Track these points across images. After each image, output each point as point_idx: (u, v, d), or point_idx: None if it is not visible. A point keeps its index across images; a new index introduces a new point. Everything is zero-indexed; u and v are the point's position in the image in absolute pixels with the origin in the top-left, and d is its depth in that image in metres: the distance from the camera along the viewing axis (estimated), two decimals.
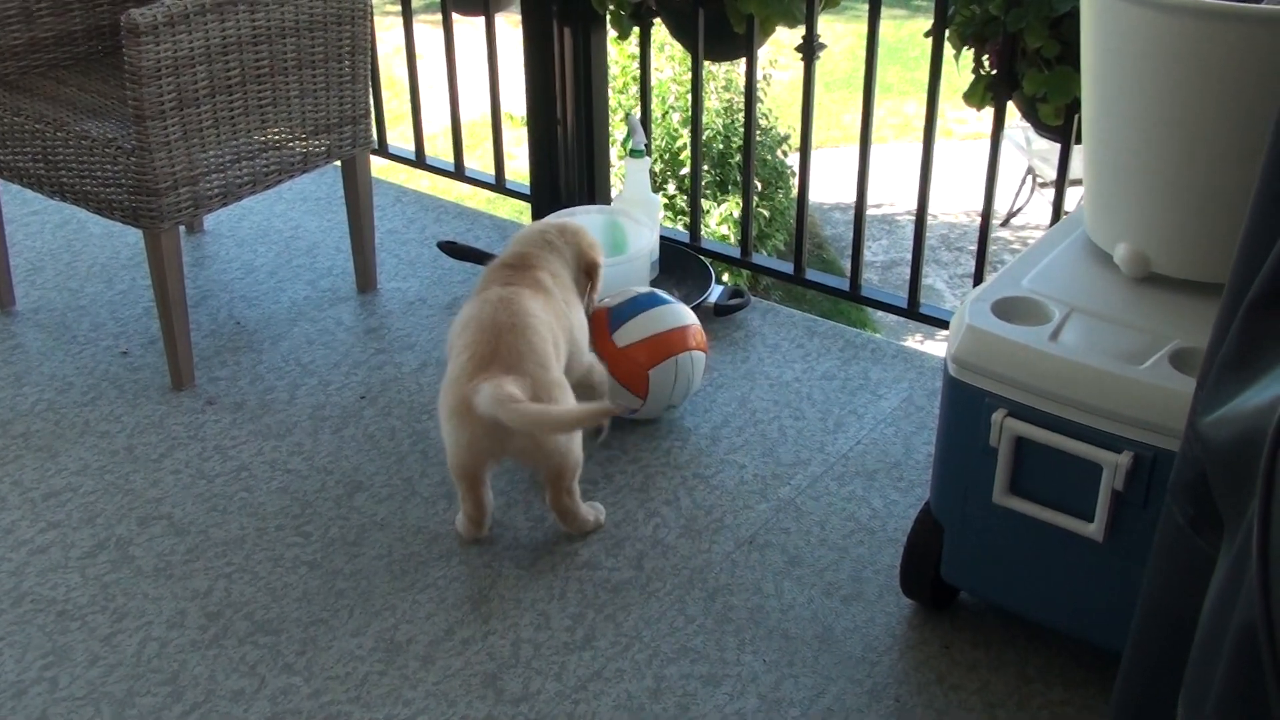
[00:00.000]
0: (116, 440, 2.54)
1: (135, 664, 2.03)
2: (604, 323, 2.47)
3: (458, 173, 3.53)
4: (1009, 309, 1.86)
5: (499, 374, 2.05)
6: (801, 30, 2.78)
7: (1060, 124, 2.49)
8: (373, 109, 2.90)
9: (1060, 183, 2.66)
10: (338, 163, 2.88)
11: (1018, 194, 9.53)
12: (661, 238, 2.95)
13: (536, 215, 3.22)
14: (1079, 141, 2.43)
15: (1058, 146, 2.60)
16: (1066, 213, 2.45)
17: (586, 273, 2.42)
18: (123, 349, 2.83)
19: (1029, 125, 2.67)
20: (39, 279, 3.11)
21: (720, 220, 8.60)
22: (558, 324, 2.23)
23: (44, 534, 2.30)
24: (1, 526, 2.32)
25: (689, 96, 8.41)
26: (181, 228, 2.61)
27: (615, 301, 2.51)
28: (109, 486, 2.42)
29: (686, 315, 2.54)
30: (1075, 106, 2.43)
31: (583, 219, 2.81)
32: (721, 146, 8.86)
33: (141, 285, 3.06)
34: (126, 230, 3.26)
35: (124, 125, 2.54)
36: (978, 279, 2.80)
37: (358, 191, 2.92)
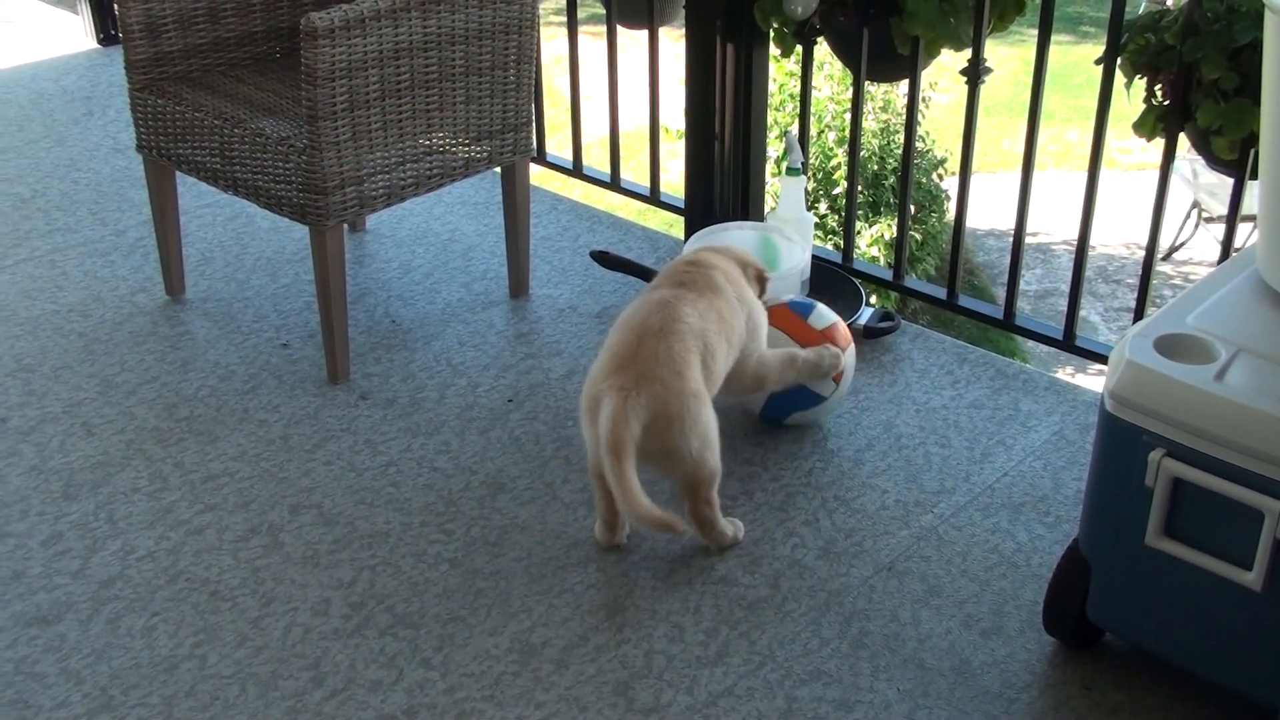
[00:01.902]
0: (273, 429, 2.63)
1: (280, 647, 2.09)
2: (791, 313, 2.55)
3: (613, 183, 3.56)
4: (1172, 346, 1.81)
5: (633, 379, 2.07)
6: (966, 53, 2.74)
7: (1234, 158, 2.41)
8: (534, 117, 2.95)
9: (1231, 219, 2.58)
10: (497, 169, 2.94)
11: (1181, 228, 9.24)
12: (813, 257, 2.94)
13: (690, 228, 3.23)
14: (1253, 177, 2.37)
15: (1227, 180, 2.52)
16: (1236, 249, 2.38)
17: (757, 280, 2.45)
18: (283, 341, 2.93)
19: (1197, 158, 2.60)
20: (208, 269, 3.23)
21: (871, 242, 8.51)
22: (717, 329, 2.22)
23: (201, 515, 2.39)
24: (162, 506, 2.41)
25: (846, 116, 8.36)
26: (345, 226, 2.68)
27: (787, 298, 2.60)
28: (264, 474, 2.50)
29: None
30: (1251, 141, 2.35)
31: (736, 234, 2.82)
32: (876, 167, 8.78)
33: (304, 280, 3.16)
34: (293, 226, 3.37)
35: (297, 125, 2.63)
36: (1138, 313, 2.73)
37: (516, 198, 2.97)
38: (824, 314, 2.56)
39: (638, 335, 2.14)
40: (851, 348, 2.57)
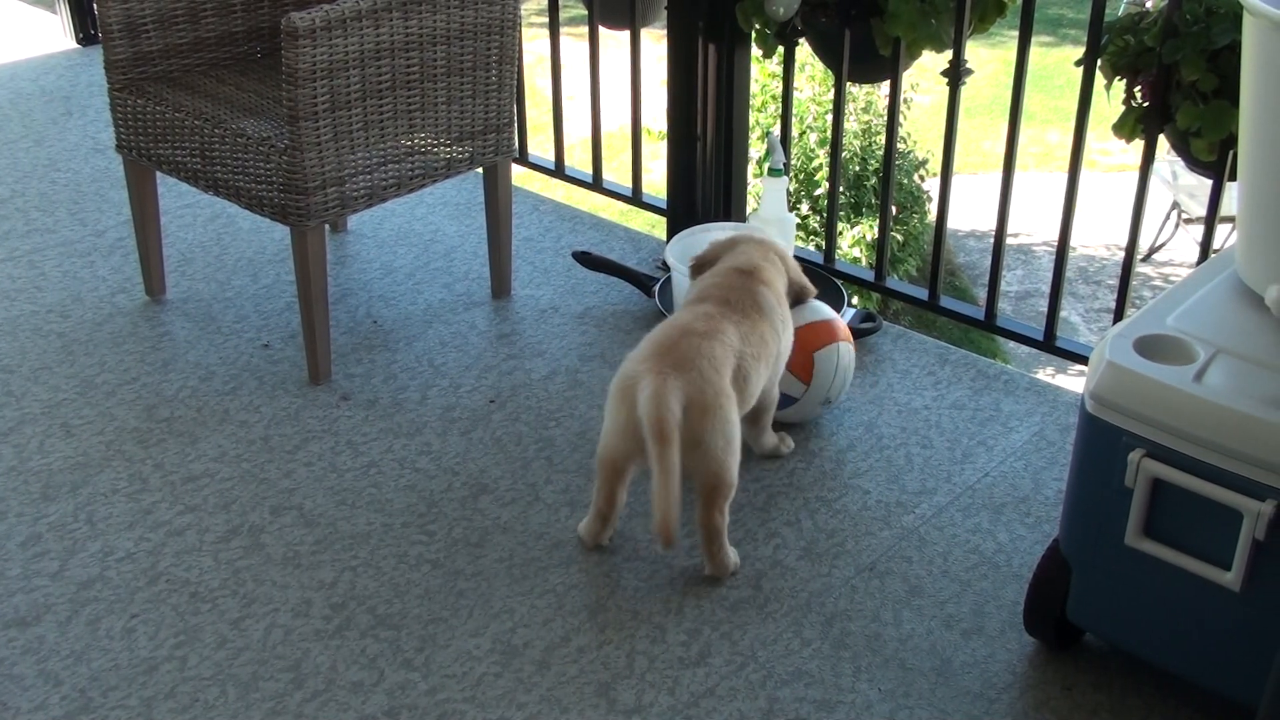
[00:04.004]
0: (254, 430, 2.62)
1: (261, 649, 2.09)
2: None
3: (595, 184, 3.56)
4: (1152, 347, 1.82)
5: (670, 364, 2.07)
6: (947, 55, 2.75)
7: (1213, 160, 2.42)
8: (516, 118, 2.94)
9: (1210, 220, 2.59)
10: (479, 169, 2.93)
11: (1161, 229, 9.29)
12: (795, 257, 2.94)
13: (672, 229, 3.23)
14: (1232, 178, 2.38)
15: (1206, 182, 2.53)
16: (1215, 251, 2.39)
17: (797, 297, 2.44)
18: (264, 342, 2.92)
19: (1177, 159, 2.61)
20: (189, 270, 3.22)
21: (853, 243, 8.53)
22: (756, 353, 2.21)
23: (181, 517, 2.38)
24: (142, 507, 2.40)
25: (828, 117, 8.37)
26: (326, 226, 2.67)
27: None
28: (245, 475, 2.49)
29: (829, 309, 2.59)
30: (1230, 142, 2.36)
31: (718, 235, 2.81)
32: (857, 168, 8.80)
33: (285, 280, 3.15)
34: (274, 226, 3.36)
35: (278, 125, 2.62)
36: (1118, 314, 2.75)
37: (498, 199, 2.97)
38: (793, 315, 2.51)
39: (680, 331, 2.16)
40: (850, 348, 2.57)
